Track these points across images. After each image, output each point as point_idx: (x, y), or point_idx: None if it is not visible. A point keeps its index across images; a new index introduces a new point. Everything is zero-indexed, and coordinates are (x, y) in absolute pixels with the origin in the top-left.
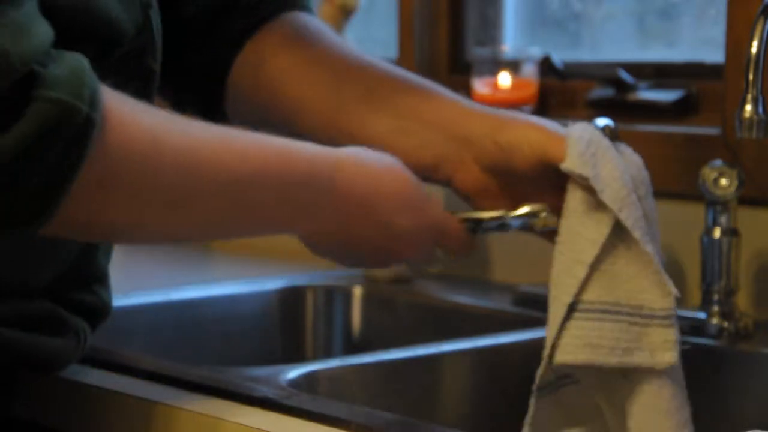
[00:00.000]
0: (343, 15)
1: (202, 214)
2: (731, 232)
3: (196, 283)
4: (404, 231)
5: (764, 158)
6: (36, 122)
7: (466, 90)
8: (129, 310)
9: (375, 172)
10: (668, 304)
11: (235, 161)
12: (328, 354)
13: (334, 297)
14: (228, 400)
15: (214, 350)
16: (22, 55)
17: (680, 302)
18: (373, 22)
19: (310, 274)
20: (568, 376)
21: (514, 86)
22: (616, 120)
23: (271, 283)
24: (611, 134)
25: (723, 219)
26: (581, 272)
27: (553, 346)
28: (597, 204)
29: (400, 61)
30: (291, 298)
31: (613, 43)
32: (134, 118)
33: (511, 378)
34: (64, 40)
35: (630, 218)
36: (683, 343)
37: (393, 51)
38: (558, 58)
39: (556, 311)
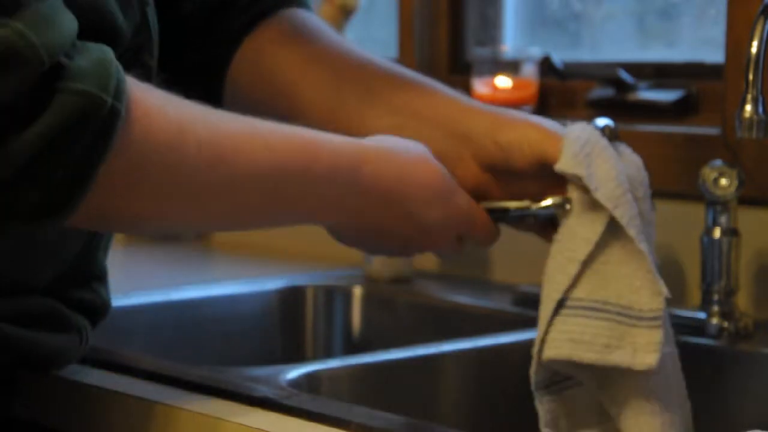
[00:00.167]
0: (343, 15)
1: (227, 206)
2: (731, 232)
3: (196, 283)
4: (433, 222)
5: (764, 158)
6: (62, 114)
7: (466, 90)
8: (129, 310)
9: (403, 163)
10: (657, 304)
11: (260, 153)
12: (328, 354)
13: (334, 297)
14: (228, 400)
15: (214, 350)
16: (48, 48)
17: (680, 302)
18: (373, 22)
19: (310, 274)
20: (570, 377)
21: (514, 86)
22: (616, 120)
23: (271, 283)
24: (611, 134)
25: (723, 219)
26: (573, 270)
27: (542, 342)
28: (592, 203)
29: (400, 61)
30: (291, 298)
31: (613, 43)
32: (160, 110)
33: (511, 378)
34: None
35: (625, 216)
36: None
37: (393, 51)
38: (558, 58)
39: (545, 308)
